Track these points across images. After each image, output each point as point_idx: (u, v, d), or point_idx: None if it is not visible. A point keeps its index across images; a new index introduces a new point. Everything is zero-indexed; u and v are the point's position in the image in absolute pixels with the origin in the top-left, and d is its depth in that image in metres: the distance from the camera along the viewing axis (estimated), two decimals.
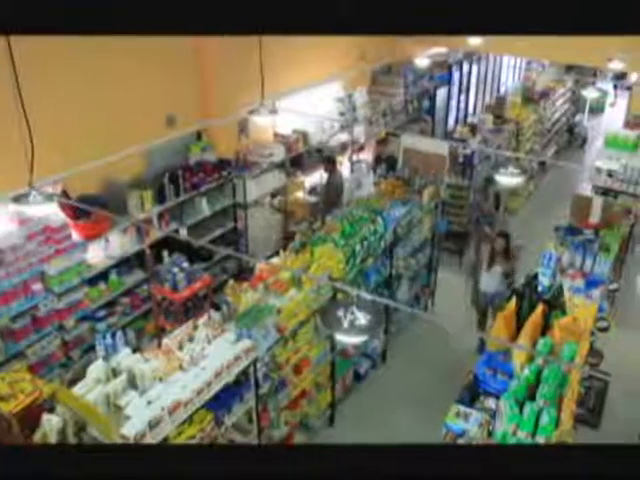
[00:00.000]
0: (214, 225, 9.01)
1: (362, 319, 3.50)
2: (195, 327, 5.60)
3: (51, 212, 6.57)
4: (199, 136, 8.96)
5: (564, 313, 5.82)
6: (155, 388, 4.87)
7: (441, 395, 7.61)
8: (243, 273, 8.81)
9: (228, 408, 5.44)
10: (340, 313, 3.55)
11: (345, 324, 3.50)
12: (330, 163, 10.20)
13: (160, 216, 8.00)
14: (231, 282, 6.15)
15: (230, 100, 8.87)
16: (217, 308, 5.87)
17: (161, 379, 4.98)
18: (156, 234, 7.82)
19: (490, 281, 8.16)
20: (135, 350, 5.41)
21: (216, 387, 5.17)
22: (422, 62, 12.69)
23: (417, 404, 7.56)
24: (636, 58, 11.19)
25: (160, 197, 7.96)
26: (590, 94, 13.86)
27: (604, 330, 6.66)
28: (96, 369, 4.88)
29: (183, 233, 8.19)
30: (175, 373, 5.07)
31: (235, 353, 5.35)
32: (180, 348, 5.32)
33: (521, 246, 10.78)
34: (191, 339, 5.45)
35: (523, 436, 4.47)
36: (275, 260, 6.83)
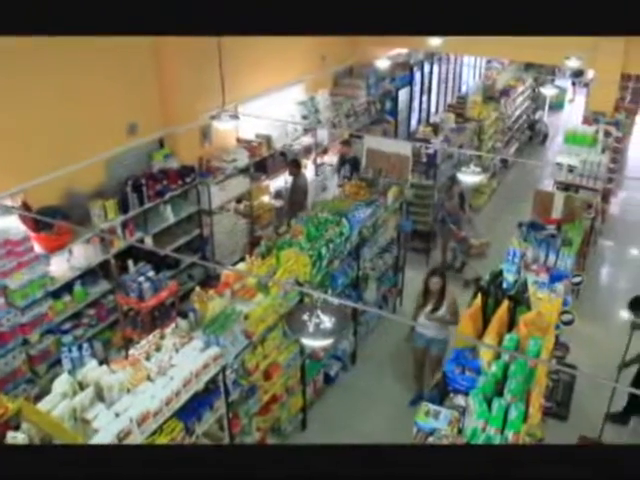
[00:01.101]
0: (179, 232, 8.95)
1: (327, 322, 3.50)
2: (162, 336, 5.56)
3: (11, 225, 6.47)
4: (161, 143, 8.89)
5: (529, 308, 5.89)
6: (123, 400, 4.81)
7: (412, 394, 7.71)
8: (210, 280, 8.76)
9: (198, 417, 5.40)
10: (305, 317, 3.54)
11: (310, 328, 3.50)
12: (295, 166, 10.21)
13: (124, 225, 7.91)
14: (197, 289, 6.10)
15: (192, 106, 8.82)
16: (184, 316, 5.81)
17: (129, 390, 4.93)
18: (120, 244, 7.74)
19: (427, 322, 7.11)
20: (103, 362, 5.35)
21: (185, 396, 5.14)
22: (383, 63, 12.76)
23: (388, 404, 7.59)
24: (592, 56, 11.41)
25: (123, 206, 7.86)
26: (549, 91, 14.06)
27: (569, 323, 6.74)
28: (62, 383, 4.80)
29: (148, 242, 8.12)
30: (143, 384, 5.01)
31: (203, 361, 5.32)
32: (147, 358, 5.27)
33: (487, 243, 10.93)
34: (158, 349, 5.40)
35: (492, 432, 4.52)
36: (241, 266, 6.80)
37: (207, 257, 9.25)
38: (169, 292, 7.20)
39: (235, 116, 7.92)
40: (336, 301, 6.50)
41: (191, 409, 5.31)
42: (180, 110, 8.79)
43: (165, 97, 8.64)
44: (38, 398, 5.49)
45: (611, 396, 6.98)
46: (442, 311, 6.99)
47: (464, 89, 18.51)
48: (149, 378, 5.08)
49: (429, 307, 7.05)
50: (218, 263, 9.08)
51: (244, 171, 9.76)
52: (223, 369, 5.54)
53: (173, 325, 5.75)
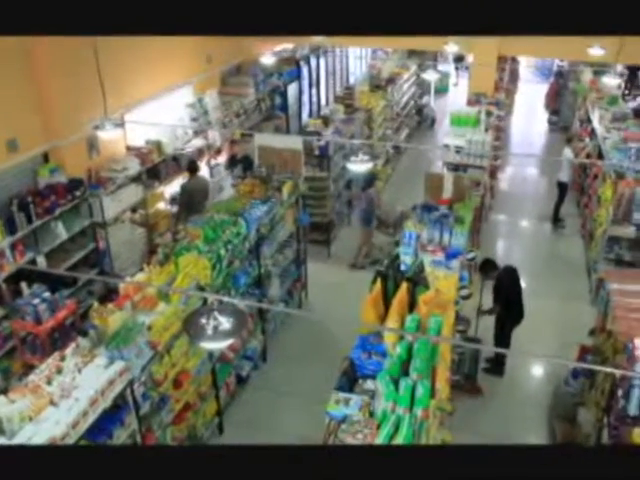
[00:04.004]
0: (74, 248, 8.64)
1: (225, 323, 3.48)
2: (62, 358, 5.37)
3: None
4: (46, 158, 8.55)
5: (427, 288, 6.06)
6: (25, 429, 4.62)
7: (324, 385, 7.77)
8: (112, 294, 8.51)
9: (109, 435, 5.26)
10: (203, 320, 3.51)
11: (209, 331, 3.47)
12: (191, 168, 10.03)
13: (13, 247, 7.56)
14: (95, 305, 5.93)
15: (74, 117, 8.53)
16: (84, 334, 5.63)
17: (31, 419, 4.73)
18: (10, 267, 7.39)
19: None
20: (2, 392, 5.11)
21: (93, 416, 4.99)
22: (268, 60, 12.77)
23: (302, 398, 7.63)
24: (470, 41, 11.86)
25: (10, 227, 7.52)
26: (431, 76, 14.47)
27: (466, 298, 7.02)
28: None
29: (41, 262, 7.80)
30: (46, 410, 4.82)
31: (108, 377, 5.18)
32: (49, 382, 5.08)
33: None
34: (59, 371, 5.21)
35: (401, 411, 4.63)
36: (140, 276, 6.65)
37: (106, 271, 8.98)
38: (68, 312, 6.97)
39: (120, 124, 7.73)
40: (241, 302, 6.52)
41: (101, 428, 5.17)
42: (62, 122, 8.48)
43: (45, 109, 8.30)
44: None
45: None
46: None
47: (352, 80, 18.81)
48: (52, 403, 4.90)
49: None
50: (116, 276, 8.84)
51: (136, 179, 9.54)
52: (130, 383, 5.42)
53: (73, 345, 5.55)
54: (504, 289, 7.79)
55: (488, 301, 7.99)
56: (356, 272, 10.28)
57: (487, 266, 7.88)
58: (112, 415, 5.34)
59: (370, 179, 10.85)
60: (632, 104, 17.94)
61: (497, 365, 8.15)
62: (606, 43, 10.62)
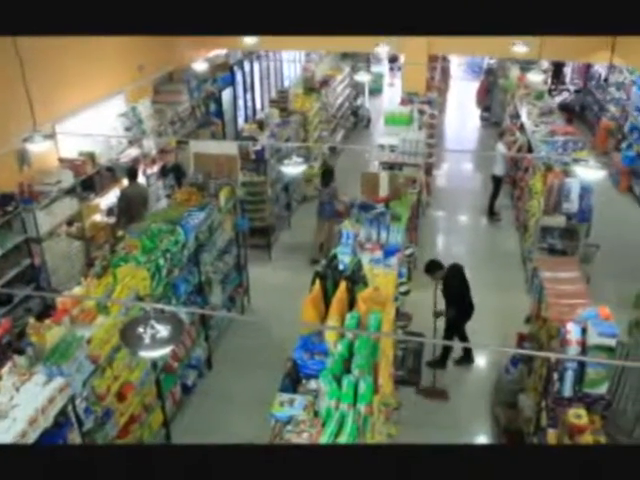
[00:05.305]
0: (8, 265, 8.41)
1: (163, 330, 3.47)
2: None
3: None
4: None
5: (366, 285, 6.15)
6: None
7: (271, 387, 7.78)
8: (49, 310, 8.32)
9: None
10: (140, 330, 3.49)
11: (147, 340, 3.45)
12: (130, 174, 9.92)
13: None
14: (31, 322, 5.80)
15: (1, 130, 8.31)
16: (21, 352, 5.50)
17: None
18: None
19: None
20: None
21: (33, 435, 4.88)
22: (201, 66, 12.71)
23: (249, 402, 7.62)
24: (401, 41, 12.06)
25: None
26: (362, 78, 14.65)
27: (406, 294, 7.15)
28: None
29: None
30: None
31: (48, 395, 5.07)
32: None
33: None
34: None
35: (345, 408, 4.69)
36: (77, 290, 6.53)
37: (43, 287, 8.78)
38: (3, 330, 6.80)
39: (49, 136, 7.58)
40: (183, 310, 6.49)
41: None
42: None
43: None
44: None
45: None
46: None
47: (287, 83, 18.88)
48: None
49: None
50: (54, 291, 8.65)
51: (71, 192, 9.35)
52: (72, 399, 5.32)
53: (10, 364, 5.42)
54: (452, 289, 7.92)
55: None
56: (298, 274, 10.30)
57: (432, 267, 7.93)
58: (54, 433, 5.23)
59: (329, 174, 10.92)
60: (558, 99, 18.63)
61: (442, 359, 8.31)
62: (529, 40, 10.98)
